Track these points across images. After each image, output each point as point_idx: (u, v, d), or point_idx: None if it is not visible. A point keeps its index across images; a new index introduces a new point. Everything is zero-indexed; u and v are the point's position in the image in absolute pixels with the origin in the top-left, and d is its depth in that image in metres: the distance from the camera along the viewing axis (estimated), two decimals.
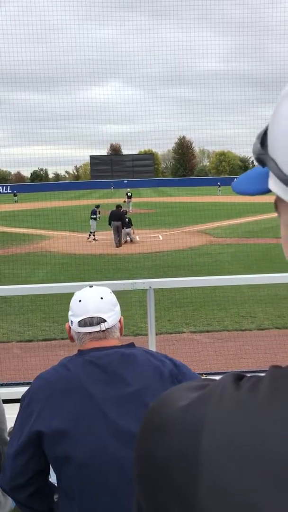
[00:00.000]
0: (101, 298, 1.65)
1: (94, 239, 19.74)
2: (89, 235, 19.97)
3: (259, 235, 19.31)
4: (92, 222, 19.98)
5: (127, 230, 18.76)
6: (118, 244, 18.25)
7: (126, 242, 18.75)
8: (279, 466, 0.42)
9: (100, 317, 1.60)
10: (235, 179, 0.62)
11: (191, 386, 0.56)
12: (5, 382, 3.45)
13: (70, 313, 1.67)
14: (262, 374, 0.51)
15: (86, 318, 1.60)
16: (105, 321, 1.60)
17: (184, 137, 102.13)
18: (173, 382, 1.50)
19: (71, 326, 1.66)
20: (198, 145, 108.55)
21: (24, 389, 3.40)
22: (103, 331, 1.60)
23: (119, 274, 12.86)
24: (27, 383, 3.52)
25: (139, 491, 0.54)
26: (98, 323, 1.60)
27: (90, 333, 1.60)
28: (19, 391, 3.22)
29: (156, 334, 3.01)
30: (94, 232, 19.89)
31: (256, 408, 0.46)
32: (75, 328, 1.63)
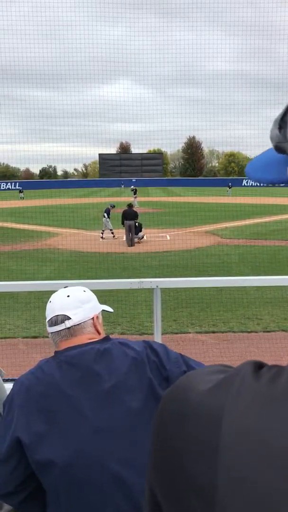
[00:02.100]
0: (68, 296, 1.64)
1: (102, 237, 19.82)
2: (110, 232, 19.94)
3: (267, 237, 19.23)
4: (106, 220, 19.92)
5: (140, 234, 18.77)
6: (130, 243, 18.16)
7: (138, 242, 18.70)
8: None
9: (64, 315, 1.59)
10: (249, 163, 0.60)
11: (210, 370, 0.55)
12: (10, 378, 3.46)
13: None
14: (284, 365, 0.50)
15: (52, 317, 1.61)
16: (69, 318, 1.59)
17: (193, 137, 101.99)
18: (150, 366, 1.49)
19: None
20: (207, 146, 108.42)
21: None
22: (68, 328, 1.58)
23: (125, 272, 12.87)
24: None
25: (154, 480, 0.53)
26: (63, 321, 1.59)
27: (57, 332, 1.59)
28: None
29: (162, 334, 3.00)
30: (108, 231, 19.89)
31: (274, 401, 0.46)
32: (48, 329, 1.63)
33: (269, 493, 0.42)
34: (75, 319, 1.59)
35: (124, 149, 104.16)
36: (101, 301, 1.79)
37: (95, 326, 1.64)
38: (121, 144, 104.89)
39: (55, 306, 1.62)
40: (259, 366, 0.51)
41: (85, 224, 22.91)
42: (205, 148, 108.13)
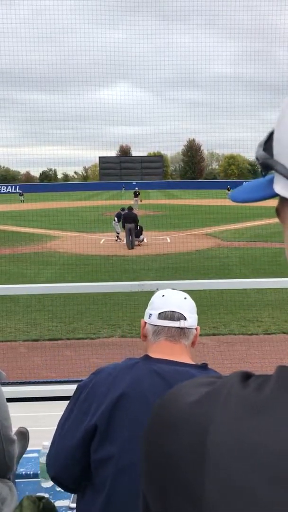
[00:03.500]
0: (185, 298, 1.66)
1: (118, 238, 20.01)
2: (117, 237, 20.06)
3: (267, 239, 19.24)
4: (115, 223, 19.97)
5: (141, 237, 18.82)
6: (131, 246, 18.18)
7: (139, 244, 18.73)
8: (282, 466, 0.43)
9: (181, 313, 1.59)
10: (232, 191, 0.63)
11: (199, 382, 0.56)
12: (10, 381, 3.46)
13: (149, 307, 1.66)
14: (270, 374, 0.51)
15: (168, 311, 1.59)
16: (185, 319, 1.59)
17: (193, 140, 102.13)
18: None
19: (147, 321, 1.63)
20: (207, 148, 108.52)
21: (27, 388, 3.41)
22: (182, 328, 1.57)
23: (126, 275, 12.87)
24: (32, 382, 3.54)
25: (146, 485, 0.55)
26: (179, 319, 1.58)
27: (168, 328, 1.57)
28: (23, 390, 3.23)
29: None
30: (119, 233, 20.04)
31: (261, 408, 0.47)
32: (154, 321, 1.60)
33: (255, 498, 0.43)
34: (189, 322, 1.60)
35: (124, 152, 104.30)
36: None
37: (195, 337, 1.65)
38: (121, 147, 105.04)
39: (172, 302, 1.61)
40: (247, 376, 0.53)
41: (85, 227, 22.93)
42: (205, 151, 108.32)
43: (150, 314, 1.62)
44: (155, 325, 1.59)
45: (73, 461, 1.44)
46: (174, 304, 1.61)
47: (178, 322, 1.57)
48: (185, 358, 1.55)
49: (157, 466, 0.52)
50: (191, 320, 1.61)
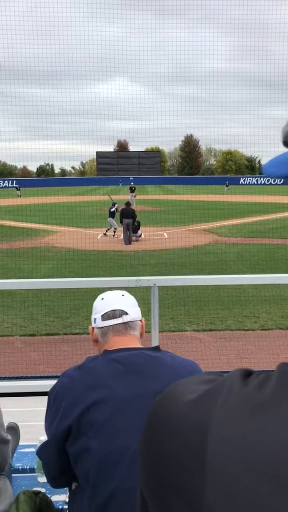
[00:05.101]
0: (122, 295, 1.76)
1: (104, 234, 19.96)
2: (114, 232, 20.01)
3: (264, 235, 19.26)
4: (111, 219, 19.97)
5: (139, 232, 18.80)
6: (128, 241, 18.17)
7: (136, 240, 18.72)
8: (282, 467, 0.42)
9: (122, 310, 1.69)
10: (265, 163, 0.64)
11: (198, 380, 0.55)
12: (7, 376, 3.46)
13: (93, 313, 1.75)
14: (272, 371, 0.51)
15: (109, 311, 1.69)
16: (127, 313, 1.69)
17: (191, 136, 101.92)
18: None
19: (94, 325, 1.72)
20: (205, 144, 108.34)
21: (24, 383, 3.41)
22: (125, 323, 1.67)
23: (123, 270, 12.87)
24: (29, 377, 3.53)
25: (143, 483, 0.54)
26: (121, 315, 1.68)
27: (113, 326, 1.67)
28: (19, 385, 3.23)
29: (159, 332, 3.00)
30: (113, 229, 20.00)
31: (262, 407, 0.46)
32: (99, 324, 1.70)
33: (255, 499, 0.42)
34: (132, 315, 1.69)
35: (122, 147, 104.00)
36: None
37: (142, 328, 1.74)
38: (119, 142, 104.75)
39: (111, 302, 1.72)
40: (247, 374, 0.51)
41: (82, 222, 22.89)
42: (203, 146, 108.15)
43: (95, 319, 1.72)
44: (101, 327, 1.69)
45: (53, 458, 1.53)
46: (113, 303, 1.72)
47: (121, 318, 1.68)
48: (137, 345, 1.66)
49: (155, 465, 0.51)
50: (133, 313, 1.71)
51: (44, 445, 1.55)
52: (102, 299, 1.75)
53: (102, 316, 1.69)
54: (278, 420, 0.44)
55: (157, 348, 1.64)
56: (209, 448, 0.46)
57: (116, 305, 1.70)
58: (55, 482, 1.62)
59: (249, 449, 0.44)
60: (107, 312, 1.69)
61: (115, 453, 1.40)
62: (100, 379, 1.49)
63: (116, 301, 1.72)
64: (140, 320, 1.74)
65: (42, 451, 1.57)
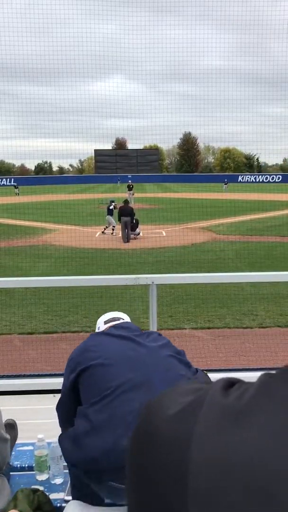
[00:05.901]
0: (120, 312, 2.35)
1: (103, 232, 19.93)
2: (112, 229, 19.95)
3: (262, 233, 19.27)
4: (109, 217, 19.93)
5: (137, 230, 18.78)
6: (126, 239, 18.15)
7: (135, 238, 18.70)
8: (265, 477, 0.42)
9: (120, 317, 2.24)
10: None
11: (184, 390, 0.54)
12: (5, 374, 3.46)
13: (97, 326, 2.24)
14: (254, 381, 0.50)
15: (110, 318, 2.22)
16: (124, 319, 2.22)
17: (189, 133, 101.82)
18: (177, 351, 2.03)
19: (98, 331, 2.18)
20: (203, 142, 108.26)
21: (22, 381, 3.41)
22: (124, 323, 2.16)
23: (121, 268, 12.87)
24: (27, 376, 3.53)
25: (129, 498, 0.53)
26: (119, 319, 2.21)
27: (114, 325, 2.13)
28: (17, 383, 3.23)
29: (157, 330, 3.01)
30: (111, 227, 19.93)
31: (240, 417, 0.45)
32: (102, 327, 2.17)
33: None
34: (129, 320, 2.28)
35: (120, 145, 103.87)
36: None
37: None
38: (117, 140, 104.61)
39: (111, 313, 2.29)
40: (230, 384, 0.51)
41: (80, 220, 22.87)
42: (201, 144, 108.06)
43: (99, 327, 2.22)
44: (105, 329, 2.15)
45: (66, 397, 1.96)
46: (114, 314, 2.28)
47: (120, 320, 2.19)
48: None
49: (138, 480, 0.51)
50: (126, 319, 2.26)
51: (61, 394, 1.97)
52: (104, 315, 2.27)
53: (104, 321, 2.19)
54: (253, 430, 0.44)
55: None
56: (191, 464, 0.46)
57: (116, 315, 2.25)
58: (65, 423, 1.94)
59: (232, 463, 0.43)
60: (109, 319, 2.21)
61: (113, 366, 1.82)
62: (105, 336, 2.00)
63: (115, 313, 2.27)
64: None
65: (59, 400, 1.98)
